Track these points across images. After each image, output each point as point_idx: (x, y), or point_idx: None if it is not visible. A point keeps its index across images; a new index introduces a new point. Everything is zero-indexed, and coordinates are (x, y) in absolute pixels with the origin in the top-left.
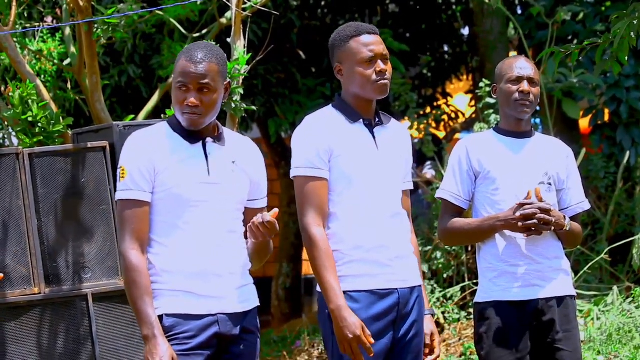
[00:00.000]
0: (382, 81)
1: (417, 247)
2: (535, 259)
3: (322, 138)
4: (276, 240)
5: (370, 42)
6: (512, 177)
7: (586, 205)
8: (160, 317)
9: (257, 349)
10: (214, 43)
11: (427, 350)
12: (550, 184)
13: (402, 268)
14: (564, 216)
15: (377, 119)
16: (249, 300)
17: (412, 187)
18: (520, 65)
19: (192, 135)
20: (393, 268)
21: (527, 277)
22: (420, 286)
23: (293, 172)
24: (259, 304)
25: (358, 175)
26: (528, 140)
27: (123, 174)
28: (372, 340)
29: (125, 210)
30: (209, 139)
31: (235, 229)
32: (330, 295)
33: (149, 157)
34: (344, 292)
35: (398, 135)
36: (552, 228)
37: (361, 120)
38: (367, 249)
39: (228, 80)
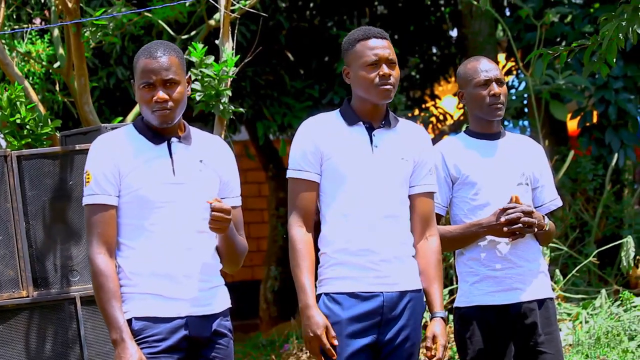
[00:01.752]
0: (385, 86)
1: (437, 250)
2: (515, 262)
3: (310, 141)
4: (264, 244)
5: (375, 46)
6: (491, 180)
7: (559, 202)
8: (130, 321)
9: (231, 352)
10: (202, 45)
11: (429, 354)
12: (527, 184)
13: (391, 271)
14: (543, 216)
15: (383, 122)
16: (220, 302)
17: (431, 190)
18: (485, 68)
19: (157, 136)
20: (378, 271)
21: (508, 281)
22: (415, 290)
23: (287, 174)
24: (231, 306)
25: (348, 177)
26: (500, 141)
27: (88, 178)
28: (335, 342)
29: (92, 215)
30: (173, 139)
31: (204, 229)
32: (300, 294)
33: (114, 160)
34: (327, 294)
35: (407, 137)
36: (535, 230)
37: (360, 123)
38: (351, 251)
39: (189, 74)
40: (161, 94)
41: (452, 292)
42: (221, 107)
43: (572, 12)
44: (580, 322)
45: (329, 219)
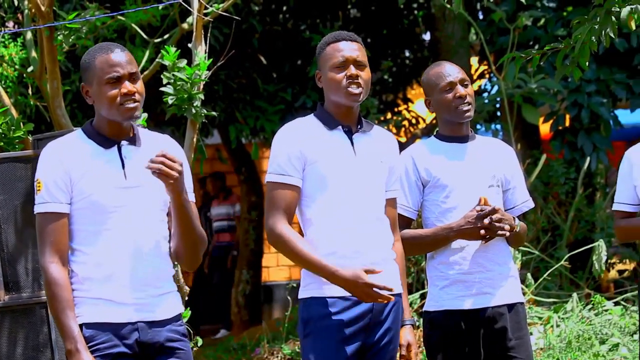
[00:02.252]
0: (352, 87)
1: (401, 255)
2: (486, 265)
3: (293, 145)
4: (235, 247)
5: (344, 48)
6: (462, 183)
7: (531, 204)
8: (81, 327)
9: (190, 357)
10: (175, 48)
11: None
12: (498, 186)
13: (380, 274)
14: (514, 217)
15: (359, 126)
16: (172, 307)
17: (397, 196)
18: (448, 72)
19: (107, 140)
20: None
21: (478, 286)
22: (398, 294)
23: (265, 178)
24: (183, 311)
25: (334, 180)
26: (470, 143)
27: (39, 186)
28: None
29: (44, 224)
30: (124, 142)
31: (158, 233)
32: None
33: (64, 167)
34: (320, 298)
35: (381, 142)
36: (506, 232)
37: (340, 127)
38: (341, 254)
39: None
40: (130, 86)
41: (423, 296)
42: (193, 111)
43: (546, 16)
44: (552, 326)
45: (314, 222)
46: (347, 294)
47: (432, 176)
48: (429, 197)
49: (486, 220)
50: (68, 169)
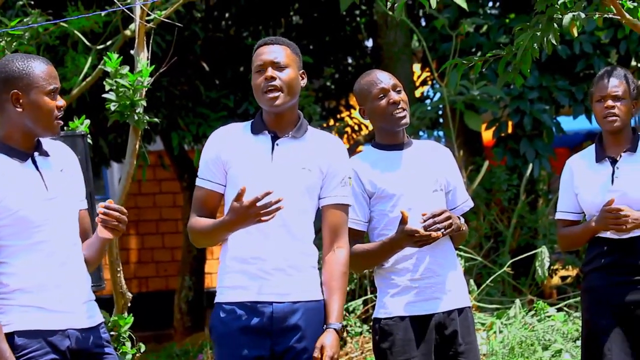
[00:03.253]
0: (269, 90)
1: (337, 262)
2: (436, 270)
3: (212, 149)
4: (179, 254)
5: (264, 52)
6: (408, 191)
7: (470, 203)
8: (12, 336)
9: None
10: (117, 55)
11: None
12: (441, 189)
13: (283, 281)
14: (458, 217)
15: (290, 132)
16: (95, 315)
17: (343, 202)
18: (380, 79)
19: (20, 153)
20: (269, 281)
21: (428, 291)
22: (313, 301)
23: None
24: (103, 320)
25: (244, 184)
26: (408, 150)
27: None
28: None
29: None
30: (35, 153)
31: (77, 241)
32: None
33: None
34: (221, 304)
35: (316, 148)
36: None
37: (265, 132)
38: (242, 259)
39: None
40: (63, 101)
41: (365, 303)
42: (136, 117)
43: (488, 23)
44: (495, 332)
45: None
46: (244, 300)
47: (377, 187)
48: (375, 208)
49: (442, 219)
50: None
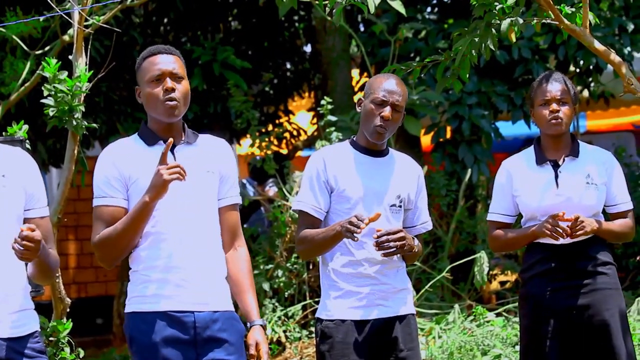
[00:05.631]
0: (169, 101)
1: (245, 259)
2: (380, 279)
3: (111, 167)
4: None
5: (160, 61)
6: (366, 199)
7: (429, 226)
8: None
9: None
10: (55, 60)
11: None
12: (400, 206)
13: (203, 290)
14: (412, 237)
15: (182, 138)
16: (27, 324)
17: (237, 202)
18: (389, 89)
19: None
20: (189, 290)
21: (371, 297)
22: (227, 312)
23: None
24: (39, 329)
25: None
26: (384, 159)
27: None
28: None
29: None
30: None
31: (10, 250)
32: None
33: None
34: (140, 314)
35: (210, 151)
36: (404, 250)
37: (160, 142)
38: (160, 269)
39: None
40: None
41: (305, 308)
42: (74, 123)
43: (426, 28)
44: (434, 337)
45: (142, 238)
46: (167, 309)
47: (338, 185)
48: (334, 205)
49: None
50: None
